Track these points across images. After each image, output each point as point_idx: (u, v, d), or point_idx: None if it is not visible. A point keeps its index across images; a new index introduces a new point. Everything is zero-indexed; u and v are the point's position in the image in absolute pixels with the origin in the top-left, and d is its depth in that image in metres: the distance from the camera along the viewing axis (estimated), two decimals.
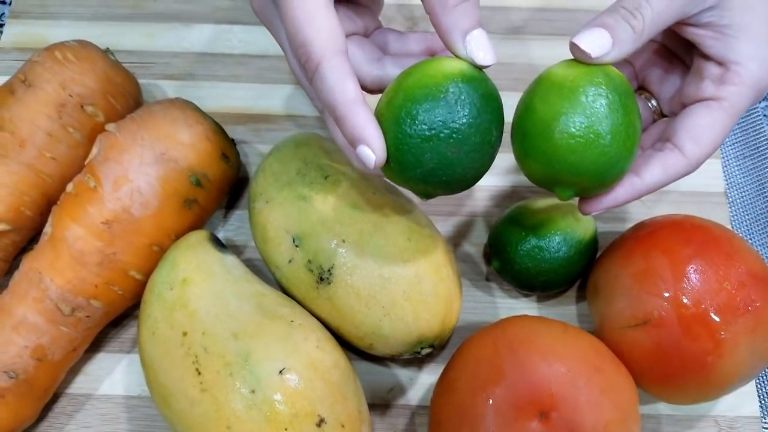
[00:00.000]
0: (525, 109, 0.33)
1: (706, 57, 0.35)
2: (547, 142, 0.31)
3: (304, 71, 0.32)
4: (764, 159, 0.51)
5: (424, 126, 0.30)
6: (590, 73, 0.31)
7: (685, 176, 0.34)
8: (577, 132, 0.31)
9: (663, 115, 0.39)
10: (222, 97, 0.51)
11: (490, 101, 0.31)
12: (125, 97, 0.45)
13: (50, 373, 0.41)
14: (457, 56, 0.32)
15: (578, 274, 0.43)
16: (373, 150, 0.30)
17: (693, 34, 0.34)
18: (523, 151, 0.33)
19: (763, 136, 0.51)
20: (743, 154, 0.51)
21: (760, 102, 0.53)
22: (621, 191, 0.34)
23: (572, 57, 0.32)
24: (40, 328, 0.39)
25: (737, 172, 0.50)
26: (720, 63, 0.34)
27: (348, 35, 0.37)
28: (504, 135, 0.33)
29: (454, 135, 0.30)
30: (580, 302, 0.46)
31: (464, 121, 0.30)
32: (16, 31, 0.53)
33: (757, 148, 0.51)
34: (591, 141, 0.31)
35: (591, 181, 0.32)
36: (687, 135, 0.34)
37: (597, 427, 0.33)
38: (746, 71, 0.34)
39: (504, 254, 0.42)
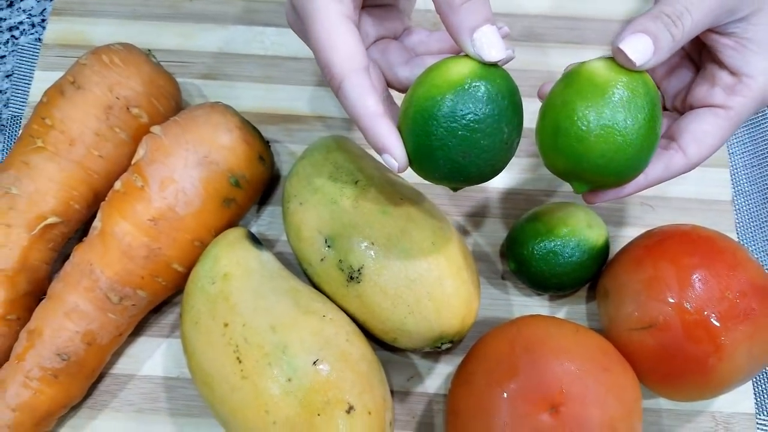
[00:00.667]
0: (561, 104, 0.33)
1: (721, 64, 0.36)
2: (581, 142, 0.32)
3: (330, 86, 0.34)
4: None
5: (433, 137, 0.32)
6: (633, 81, 0.32)
7: (683, 174, 0.37)
8: (615, 139, 0.32)
9: (664, 108, 0.40)
10: (255, 97, 0.53)
11: (498, 100, 0.32)
12: (167, 98, 0.47)
13: (98, 355, 0.43)
14: (468, 55, 0.32)
15: (590, 278, 0.45)
16: (395, 158, 0.33)
17: (714, 41, 0.36)
18: (552, 144, 0.33)
19: None
20: (751, 162, 0.52)
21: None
22: (627, 186, 0.36)
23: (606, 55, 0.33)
24: (90, 315, 0.42)
25: (744, 180, 0.52)
26: (733, 73, 0.36)
27: (378, 39, 0.39)
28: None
29: (461, 143, 0.32)
30: (589, 302, 0.48)
31: (467, 131, 0.31)
32: (58, 28, 0.55)
33: (766, 157, 0.53)
34: (623, 148, 0.32)
35: (612, 180, 0.34)
36: (692, 138, 0.36)
37: (603, 422, 0.36)
38: (756, 84, 0.35)
39: (520, 256, 0.44)
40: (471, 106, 0.31)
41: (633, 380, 0.39)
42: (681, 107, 0.39)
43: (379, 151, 0.33)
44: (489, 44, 0.31)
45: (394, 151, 0.33)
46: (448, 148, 0.32)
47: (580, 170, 0.33)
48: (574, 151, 0.33)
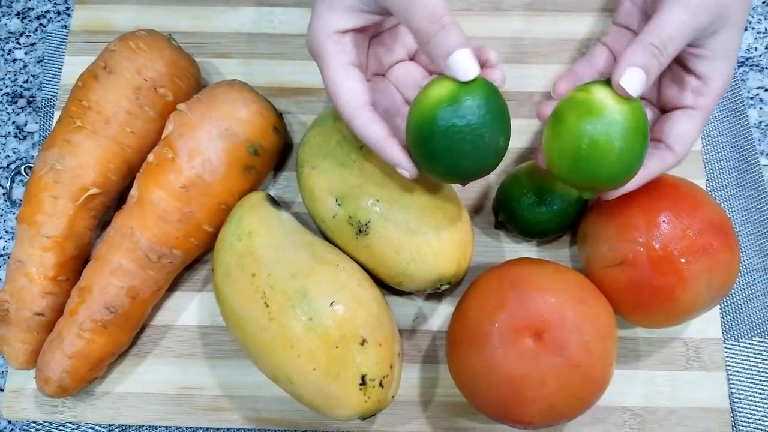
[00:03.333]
0: (578, 134, 0.37)
1: (688, 70, 0.42)
2: (601, 166, 0.38)
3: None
4: (740, 119, 0.56)
5: (427, 147, 0.38)
6: (632, 108, 0.38)
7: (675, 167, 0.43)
8: (628, 159, 0.38)
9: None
10: (267, 73, 0.56)
11: (475, 111, 0.36)
12: (188, 77, 0.52)
13: (140, 308, 0.48)
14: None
15: (571, 224, 0.49)
16: (405, 170, 0.40)
17: (684, 51, 0.41)
18: (572, 167, 0.38)
19: (739, 99, 0.57)
20: (720, 115, 0.56)
21: (737, 67, 0.59)
22: (629, 184, 0.42)
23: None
24: (132, 272, 0.47)
25: (714, 131, 0.56)
26: (699, 77, 0.42)
27: (394, 64, 0.46)
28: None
29: (448, 151, 0.38)
30: (572, 246, 0.52)
31: (451, 141, 0.37)
32: (83, 15, 0.58)
33: (732, 110, 0.57)
34: (631, 165, 0.39)
35: (617, 186, 0.41)
36: (676, 139, 0.42)
37: (580, 344, 0.40)
38: (718, 85, 0.41)
39: (509, 208, 0.49)
40: (450, 120, 0.37)
41: (607, 310, 0.43)
42: (653, 100, 0.46)
43: (393, 166, 0.40)
44: (462, 67, 0.36)
45: (403, 165, 0.40)
46: (440, 155, 0.38)
47: (594, 185, 0.39)
48: (594, 174, 0.38)
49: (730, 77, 0.42)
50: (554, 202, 0.47)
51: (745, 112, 0.56)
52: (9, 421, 0.53)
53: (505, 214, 0.50)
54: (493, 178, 0.54)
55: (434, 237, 0.44)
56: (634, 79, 0.37)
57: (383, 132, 0.39)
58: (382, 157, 0.40)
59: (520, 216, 0.48)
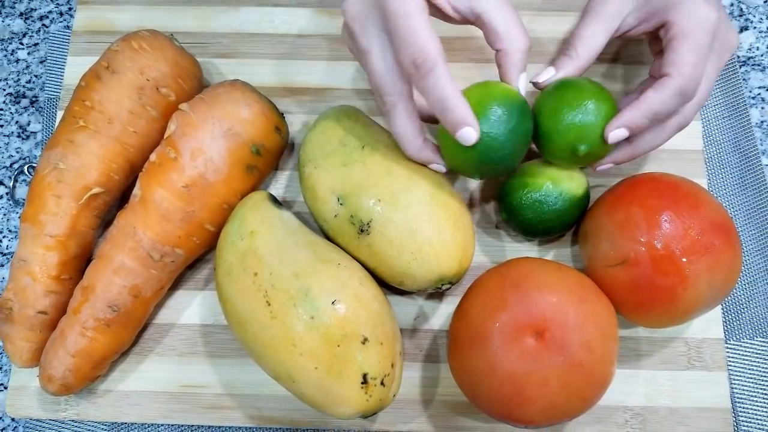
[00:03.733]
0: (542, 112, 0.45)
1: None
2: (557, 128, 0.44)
3: (415, 70, 0.40)
4: (741, 119, 0.57)
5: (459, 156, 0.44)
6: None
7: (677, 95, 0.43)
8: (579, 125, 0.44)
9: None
10: (268, 73, 0.56)
11: (520, 121, 0.43)
12: (190, 77, 0.52)
13: (143, 306, 0.48)
14: (509, 84, 0.43)
15: (572, 223, 0.49)
16: (473, 128, 0.40)
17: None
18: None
19: (741, 99, 0.57)
20: (723, 114, 0.56)
21: (739, 66, 0.59)
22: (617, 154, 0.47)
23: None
24: (135, 271, 0.47)
25: (716, 131, 0.56)
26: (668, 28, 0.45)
27: None
28: None
29: (482, 152, 0.42)
30: (574, 245, 0.52)
31: (484, 145, 0.42)
32: (86, 16, 0.59)
33: (735, 109, 0.57)
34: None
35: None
36: (669, 64, 0.43)
37: (581, 343, 0.40)
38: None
39: (510, 206, 0.49)
40: (487, 127, 0.42)
41: (608, 309, 0.43)
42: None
43: (460, 125, 0.41)
44: (524, 84, 0.44)
45: (474, 125, 0.41)
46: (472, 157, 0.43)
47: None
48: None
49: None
50: (556, 201, 0.47)
51: (747, 112, 0.56)
52: (12, 419, 0.53)
53: (507, 213, 0.50)
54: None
55: (436, 236, 0.44)
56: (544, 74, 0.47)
57: (460, 93, 0.41)
58: (453, 114, 0.40)
59: (521, 216, 0.49)
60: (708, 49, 0.43)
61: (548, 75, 0.46)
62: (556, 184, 0.48)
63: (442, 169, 0.45)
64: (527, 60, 0.43)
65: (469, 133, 0.41)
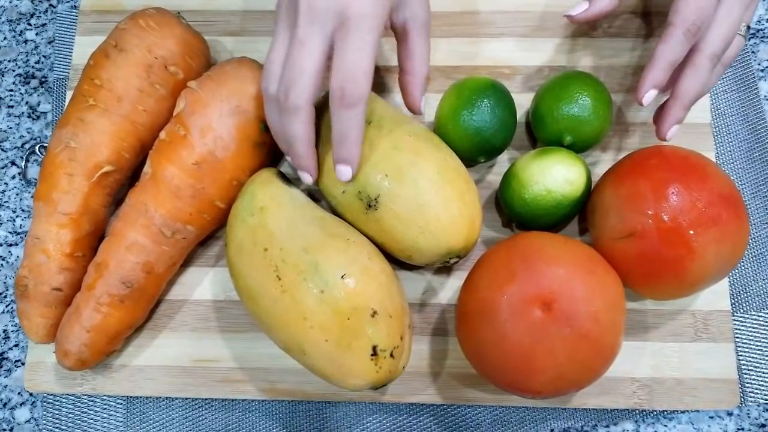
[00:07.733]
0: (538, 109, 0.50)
1: None
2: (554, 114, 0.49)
3: (339, 95, 0.41)
4: (750, 92, 0.56)
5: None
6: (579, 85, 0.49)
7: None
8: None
9: None
10: None
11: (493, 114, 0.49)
12: (198, 55, 0.52)
13: (156, 283, 0.49)
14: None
15: (573, 216, 0.49)
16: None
17: None
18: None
19: (749, 71, 0.57)
20: (730, 88, 0.56)
21: (748, 39, 0.58)
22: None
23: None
24: (147, 247, 0.48)
25: (724, 104, 0.55)
26: None
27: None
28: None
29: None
30: (582, 222, 0.52)
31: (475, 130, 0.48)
32: None
33: (742, 82, 0.57)
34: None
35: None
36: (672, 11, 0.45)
37: (588, 315, 0.41)
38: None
39: (507, 209, 0.49)
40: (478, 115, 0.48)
41: (615, 281, 0.44)
42: None
43: (352, 165, 0.45)
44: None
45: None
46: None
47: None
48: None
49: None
50: (551, 207, 0.47)
51: (756, 85, 0.56)
52: (30, 394, 0.54)
53: (507, 210, 0.50)
54: (494, 178, 0.54)
55: (443, 211, 0.45)
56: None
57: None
58: (347, 151, 0.44)
59: (520, 217, 0.49)
60: None
61: (582, 8, 0.49)
62: (551, 193, 0.47)
63: (309, 180, 0.46)
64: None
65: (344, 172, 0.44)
